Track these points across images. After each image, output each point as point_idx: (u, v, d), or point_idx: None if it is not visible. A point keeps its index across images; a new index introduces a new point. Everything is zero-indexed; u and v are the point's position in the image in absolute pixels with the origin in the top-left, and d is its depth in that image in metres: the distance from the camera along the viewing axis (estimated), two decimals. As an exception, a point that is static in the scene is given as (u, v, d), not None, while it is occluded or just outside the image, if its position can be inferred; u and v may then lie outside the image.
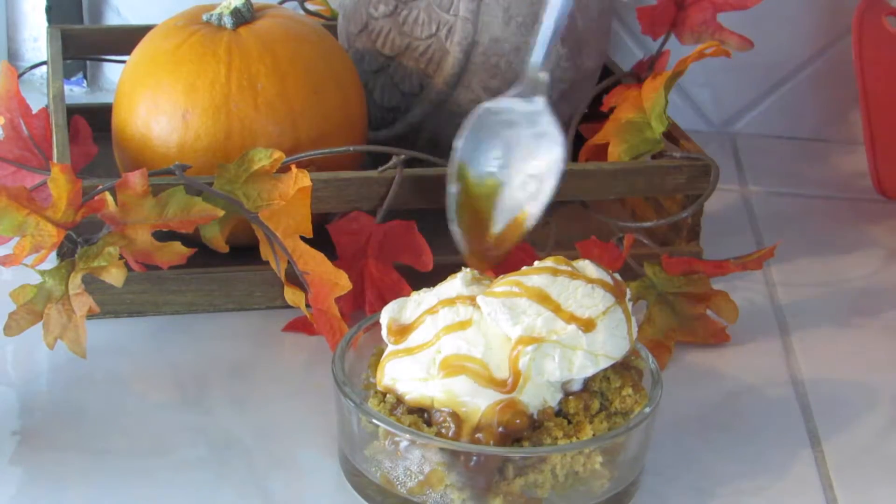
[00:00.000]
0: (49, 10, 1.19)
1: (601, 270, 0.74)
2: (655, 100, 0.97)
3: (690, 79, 1.19)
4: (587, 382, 0.73)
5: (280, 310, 0.89)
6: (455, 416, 0.70)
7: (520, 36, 0.96)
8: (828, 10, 1.19)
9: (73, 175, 0.79)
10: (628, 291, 0.75)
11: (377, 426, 0.71)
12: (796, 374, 0.87)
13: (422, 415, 0.71)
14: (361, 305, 0.88)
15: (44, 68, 1.15)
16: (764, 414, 0.83)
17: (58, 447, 0.76)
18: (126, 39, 1.06)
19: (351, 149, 0.91)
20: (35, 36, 1.24)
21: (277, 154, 0.85)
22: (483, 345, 0.71)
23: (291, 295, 0.84)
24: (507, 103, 0.85)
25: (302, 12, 1.14)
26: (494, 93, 0.97)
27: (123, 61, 0.99)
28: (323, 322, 0.84)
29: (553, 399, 0.72)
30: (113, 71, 1.22)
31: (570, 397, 0.72)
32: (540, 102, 0.84)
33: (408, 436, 0.70)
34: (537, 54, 0.85)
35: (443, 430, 0.70)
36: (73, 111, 1.01)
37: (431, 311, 0.73)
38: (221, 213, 0.82)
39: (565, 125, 1.01)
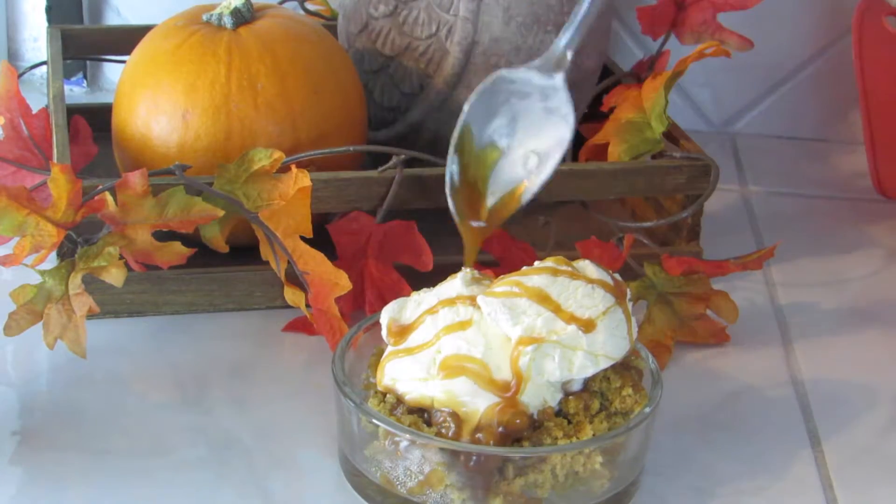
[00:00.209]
0: (49, 10, 1.19)
1: (601, 271, 0.74)
2: (655, 100, 0.97)
3: (690, 79, 1.19)
4: (587, 382, 0.73)
5: (280, 310, 0.89)
6: (455, 416, 0.70)
7: (520, 36, 0.96)
8: (828, 10, 1.19)
9: (73, 175, 0.79)
10: (628, 292, 0.75)
11: (377, 426, 0.71)
12: (796, 374, 0.87)
13: (422, 415, 0.71)
14: (361, 305, 0.88)
15: (44, 68, 1.15)
16: (764, 414, 0.83)
17: (58, 447, 0.76)
18: (126, 39, 1.06)
19: (351, 149, 0.91)
20: (35, 36, 1.24)
21: (277, 154, 0.85)
22: (483, 345, 0.71)
23: (291, 295, 0.84)
24: (524, 73, 0.83)
25: (302, 12, 1.14)
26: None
27: (123, 61, 0.99)
28: (323, 322, 0.84)
29: (553, 399, 0.72)
30: (113, 71, 1.22)
31: (570, 397, 0.72)
32: (559, 79, 0.83)
33: (408, 436, 0.70)
34: (568, 33, 0.84)
35: (443, 430, 0.70)
36: (73, 111, 1.01)
37: (431, 311, 0.73)
38: (221, 213, 0.82)
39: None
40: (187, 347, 0.86)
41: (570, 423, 0.72)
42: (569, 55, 0.84)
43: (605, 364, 0.72)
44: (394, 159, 0.89)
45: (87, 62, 1.22)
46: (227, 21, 0.92)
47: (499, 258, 0.91)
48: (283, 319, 0.88)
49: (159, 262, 0.82)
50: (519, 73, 0.83)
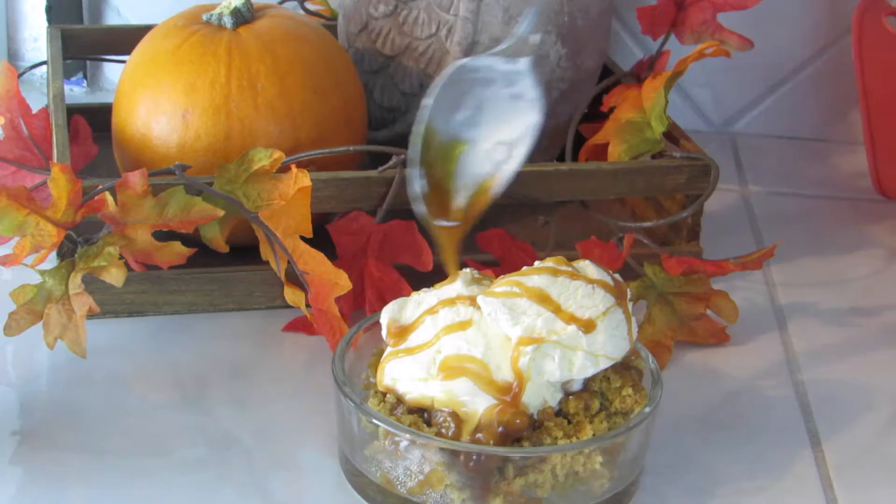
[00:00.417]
0: (49, 10, 1.19)
1: (602, 271, 0.74)
2: (655, 100, 0.97)
3: (690, 79, 1.19)
4: (587, 382, 0.73)
5: (280, 310, 0.89)
6: (455, 415, 0.70)
7: (520, 36, 0.96)
8: (828, 10, 1.19)
9: (73, 175, 0.79)
10: (629, 292, 0.75)
11: (377, 426, 0.71)
12: (796, 374, 0.87)
13: (422, 415, 0.71)
14: (361, 305, 0.88)
15: (44, 68, 1.15)
16: (764, 414, 0.83)
17: (58, 447, 0.76)
18: (126, 39, 1.06)
19: (351, 149, 0.91)
20: (35, 36, 1.24)
21: (277, 154, 0.85)
22: (483, 345, 0.71)
23: (291, 295, 0.84)
24: (486, 61, 0.81)
25: (302, 12, 1.14)
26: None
27: (123, 61, 0.99)
28: (323, 322, 0.84)
29: (553, 399, 0.72)
30: (113, 71, 1.22)
31: (570, 397, 0.72)
32: (524, 63, 0.81)
33: (408, 436, 0.70)
34: (528, 17, 0.81)
35: (443, 430, 0.70)
36: (73, 111, 1.01)
37: (431, 311, 0.73)
38: (221, 213, 0.82)
39: (565, 123, 1.01)
40: (187, 347, 0.86)
41: (570, 423, 0.72)
42: (532, 39, 0.81)
43: (605, 364, 0.72)
44: (394, 159, 0.89)
45: (87, 62, 1.22)
46: (227, 21, 0.92)
47: (499, 258, 0.91)
48: (283, 319, 0.88)
49: (159, 262, 0.82)
50: (481, 60, 0.81)
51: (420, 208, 0.79)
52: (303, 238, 0.84)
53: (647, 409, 0.72)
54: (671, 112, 0.98)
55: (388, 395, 0.72)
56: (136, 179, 0.81)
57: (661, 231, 0.99)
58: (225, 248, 0.86)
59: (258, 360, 0.85)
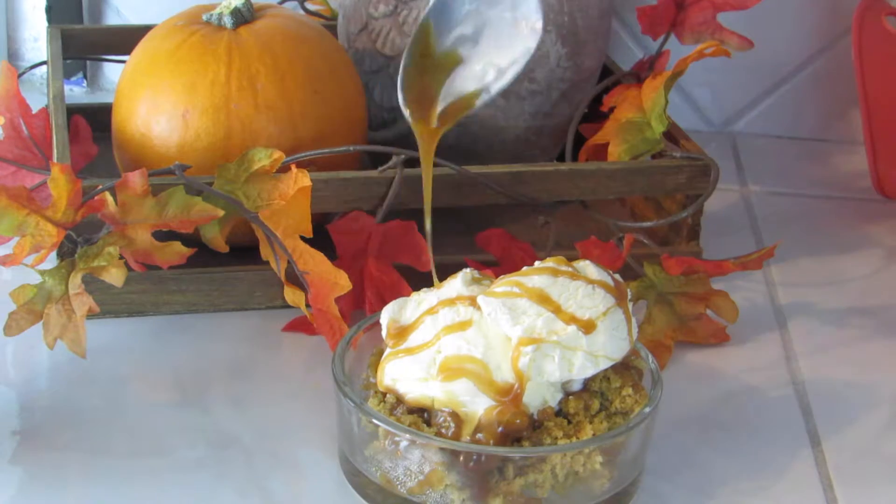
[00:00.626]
0: (49, 10, 1.19)
1: (602, 271, 0.74)
2: (655, 100, 0.97)
3: (690, 79, 1.19)
4: (587, 382, 0.73)
5: (280, 310, 0.89)
6: (455, 415, 0.70)
7: (520, 36, 0.96)
8: (828, 10, 1.19)
9: (73, 175, 0.79)
10: (629, 292, 0.75)
11: (377, 426, 0.71)
12: (796, 374, 0.87)
13: (422, 415, 0.71)
14: (361, 305, 0.88)
15: (44, 68, 1.15)
16: (764, 414, 0.83)
17: (58, 447, 0.76)
18: (126, 39, 1.06)
19: (351, 149, 0.91)
20: (35, 36, 1.24)
21: (277, 154, 0.85)
22: (483, 345, 0.71)
23: (291, 295, 0.84)
24: None
25: (302, 12, 1.14)
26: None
27: (123, 61, 1.00)
28: (323, 322, 0.84)
29: (553, 399, 0.72)
30: (113, 71, 1.22)
31: (570, 397, 0.72)
32: None
33: (408, 436, 0.70)
34: None
35: (443, 430, 0.70)
36: (73, 111, 1.01)
37: (431, 311, 0.73)
38: (221, 213, 0.82)
39: (565, 123, 1.01)
40: (187, 347, 0.86)
41: (570, 422, 0.72)
42: None
43: (605, 365, 0.72)
44: (394, 159, 0.89)
45: (87, 62, 1.22)
46: (227, 21, 0.92)
47: (499, 258, 0.91)
48: (283, 319, 0.88)
49: (159, 262, 0.82)
50: None
51: (402, 101, 0.80)
52: (303, 238, 0.84)
53: (647, 409, 0.72)
54: (671, 112, 0.98)
55: (388, 395, 0.72)
56: (136, 179, 0.81)
57: (661, 231, 0.99)
58: (225, 248, 0.86)
59: (258, 360, 0.85)
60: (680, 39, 1.03)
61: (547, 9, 0.96)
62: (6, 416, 0.78)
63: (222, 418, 0.79)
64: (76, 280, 0.79)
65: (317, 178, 0.87)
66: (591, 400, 0.72)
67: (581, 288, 0.73)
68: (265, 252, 0.86)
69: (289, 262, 0.84)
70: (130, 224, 0.82)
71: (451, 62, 0.81)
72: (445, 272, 0.79)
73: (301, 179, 0.84)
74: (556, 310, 0.72)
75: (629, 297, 0.75)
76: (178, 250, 0.82)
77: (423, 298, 0.75)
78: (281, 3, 1.13)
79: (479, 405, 0.70)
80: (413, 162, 0.91)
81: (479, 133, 0.99)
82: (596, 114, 1.02)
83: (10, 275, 0.88)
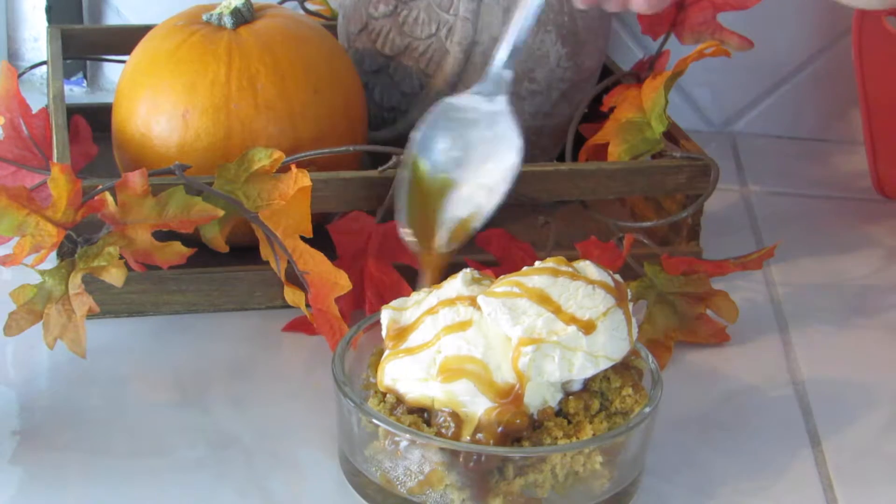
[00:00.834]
0: (49, 10, 1.19)
1: (602, 272, 0.74)
2: (655, 100, 0.97)
3: (690, 79, 1.19)
4: (587, 382, 0.73)
5: (280, 310, 0.89)
6: (455, 415, 0.70)
7: (520, 36, 0.96)
8: (828, 10, 1.19)
9: (73, 175, 0.79)
10: (629, 293, 0.75)
11: (377, 426, 0.71)
12: (796, 374, 0.87)
13: (422, 415, 0.71)
14: (361, 305, 0.88)
15: (44, 68, 1.15)
16: (764, 414, 0.83)
17: (58, 447, 0.76)
18: (126, 39, 1.06)
19: (351, 149, 0.91)
20: (35, 36, 1.24)
21: (277, 154, 0.85)
22: (483, 345, 0.71)
23: (291, 295, 0.84)
24: (468, 100, 0.85)
25: (302, 12, 1.14)
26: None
27: (123, 61, 0.99)
28: (323, 322, 0.84)
29: (553, 399, 0.72)
30: (113, 71, 1.22)
31: (571, 397, 0.72)
32: (501, 102, 0.84)
33: (408, 436, 0.70)
34: (503, 52, 0.84)
35: (443, 430, 0.70)
36: (73, 111, 1.01)
37: (431, 311, 0.73)
38: (221, 213, 0.82)
39: (565, 123, 1.01)
40: (187, 347, 0.86)
41: (570, 423, 0.72)
42: (505, 75, 0.84)
43: (605, 365, 0.72)
44: (394, 159, 0.89)
45: (87, 62, 1.22)
46: (227, 21, 0.92)
47: (499, 258, 0.91)
48: (283, 319, 0.88)
49: (159, 262, 0.82)
50: (463, 100, 0.85)
51: (409, 234, 0.83)
52: (303, 238, 0.84)
53: (647, 409, 0.72)
54: (671, 112, 0.98)
55: (388, 395, 0.72)
56: (136, 179, 0.81)
57: (661, 231, 0.99)
58: (225, 248, 0.86)
59: (258, 360, 0.85)
60: (680, 39, 1.03)
61: (547, 9, 0.96)
62: (6, 416, 0.78)
63: (222, 418, 0.79)
64: (76, 280, 0.79)
65: (317, 178, 0.87)
66: (591, 400, 0.72)
67: (581, 288, 0.73)
68: (265, 252, 0.86)
69: (289, 262, 0.84)
70: (130, 224, 0.82)
71: (445, 187, 0.83)
72: (445, 272, 0.79)
73: (301, 179, 0.84)
74: (557, 310, 0.72)
75: (629, 297, 0.75)
76: (178, 250, 0.82)
77: (423, 298, 0.75)
78: (281, 3, 1.13)
79: (479, 405, 0.70)
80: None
81: (479, 133, 0.99)
82: (596, 114, 1.02)
83: (10, 275, 0.88)
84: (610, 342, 0.72)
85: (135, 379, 0.83)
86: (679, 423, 0.81)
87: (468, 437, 0.70)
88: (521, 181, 0.91)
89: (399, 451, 0.70)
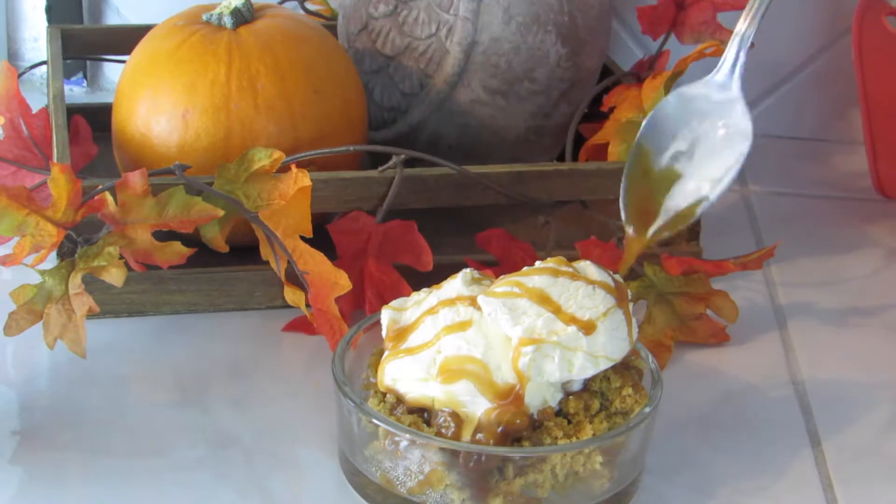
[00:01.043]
0: (49, 10, 1.19)
1: (602, 272, 0.74)
2: (655, 100, 0.97)
3: (690, 79, 1.18)
4: (587, 382, 0.73)
5: (280, 310, 0.89)
6: (455, 415, 0.70)
7: (520, 36, 0.96)
8: (828, 10, 1.19)
9: (73, 175, 0.79)
10: (629, 293, 0.75)
11: (377, 426, 0.71)
12: (796, 374, 0.87)
13: (422, 415, 0.71)
14: (361, 305, 0.88)
15: (44, 68, 1.15)
16: (764, 414, 0.83)
17: (58, 447, 0.76)
18: (126, 39, 1.06)
19: (351, 149, 0.91)
20: (35, 36, 1.24)
21: (277, 154, 0.85)
22: (483, 345, 0.71)
23: (291, 295, 0.84)
24: (702, 89, 0.84)
25: (302, 12, 1.14)
26: (494, 93, 0.97)
27: (123, 61, 0.99)
28: (323, 322, 0.84)
29: (553, 399, 0.72)
30: (113, 71, 1.22)
31: (571, 397, 0.72)
32: (735, 89, 0.83)
33: (408, 436, 0.70)
34: (739, 43, 0.84)
35: (443, 430, 0.70)
36: (73, 111, 1.01)
37: (431, 311, 0.73)
38: (221, 213, 0.82)
39: (565, 123, 1.01)
40: (187, 347, 0.86)
41: (570, 422, 0.72)
42: (741, 61, 0.83)
43: (605, 365, 0.72)
44: (394, 159, 0.89)
45: (87, 62, 1.22)
46: (227, 21, 0.92)
47: (499, 258, 0.91)
48: (283, 319, 0.88)
49: (159, 262, 0.82)
50: (697, 88, 0.84)
51: (627, 227, 0.83)
52: (303, 238, 0.84)
53: (647, 409, 0.72)
54: (671, 112, 0.98)
55: (388, 395, 0.72)
56: (136, 179, 0.81)
57: (661, 231, 0.99)
58: (225, 248, 0.86)
59: (258, 360, 0.85)
60: (680, 39, 1.03)
61: (547, 9, 0.96)
62: (6, 416, 0.78)
63: (222, 418, 0.79)
64: (76, 280, 0.79)
65: (317, 178, 0.87)
66: (591, 400, 0.72)
67: (581, 288, 0.73)
68: (265, 252, 0.86)
69: (289, 262, 0.84)
70: (130, 224, 0.82)
71: (671, 179, 0.83)
72: (445, 272, 0.79)
73: (301, 179, 0.84)
74: (557, 310, 0.72)
75: (629, 297, 0.75)
76: (178, 250, 0.82)
77: (423, 298, 0.75)
78: (281, 3, 1.13)
79: (479, 405, 0.70)
80: (413, 162, 0.91)
81: (479, 133, 0.99)
82: (596, 114, 1.02)
83: (10, 275, 0.88)
84: (610, 342, 0.72)
85: (135, 379, 0.83)
86: (679, 423, 0.81)
87: (468, 437, 0.70)
88: (521, 181, 0.91)
89: (399, 451, 0.70)
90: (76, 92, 1.22)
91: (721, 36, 1.01)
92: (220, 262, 0.88)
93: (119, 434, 0.77)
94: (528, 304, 0.72)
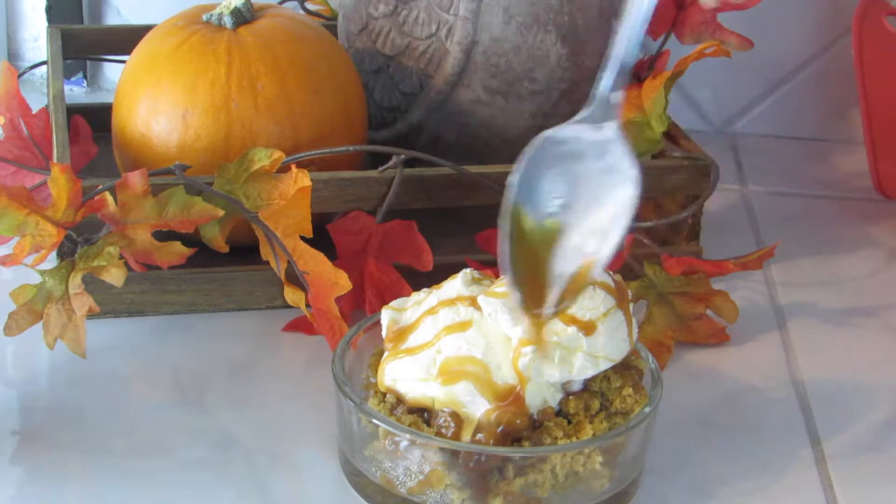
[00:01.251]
0: (49, 10, 1.19)
1: (603, 272, 0.74)
2: (655, 100, 0.97)
3: (690, 79, 1.19)
4: (587, 382, 0.73)
5: (280, 310, 0.89)
6: (455, 415, 0.70)
7: (520, 36, 0.96)
8: (828, 10, 1.19)
9: (73, 175, 0.79)
10: (629, 293, 0.75)
11: (377, 426, 0.71)
12: (796, 374, 0.87)
13: (422, 415, 0.71)
14: (361, 305, 0.88)
15: (44, 68, 1.15)
16: (764, 414, 0.83)
17: (58, 447, 0.76)
18: (126, 39, 1.06)
19: (351, 149, 0.91)
20: (35, 36, 1.24)
21: (277, 154, 0.85)
22: (483, 345, 0.71)
23: (291, 295, 0.84)
24: (572, 131, 0.73)
25: (302, 12, 1.14)
26: (494, 93, 0.97)
27: (123, 61, 0.99)
28: (323, 322, 0.84)
29: (553, 399, 0.72)
30: (113, 71, 1.22)
31: (571, 397, 0.72)
32: (611, 129, 0.72)
33: (408, 436, 0.70)
34: (610, 72, 0.73)
35: (443, 431, 0.70)
36: (73, 111, 1.01)
37: (431, 311, 0.73)
38: (221, 213, 0.82)
39: (566, 121, 1.01)
40: (187, 347, 0.86)
41: (570, 422, 0.72)
42: (614, 99, 0.72)
43: (605, 366, 0.72)
44: (394, 159, 0.89)
45: (87, 62, 1.22)
46: (227, 21, 0.92)
47: (499, 258, 0.91)
48: (283, 319, 0.88)
49: (159, 262, 0.82)
50: (565, 131, 0.73)
51: (515, 297, 0.72)
52: (303, 238, 0.84)
53: (647, 409, 0.72)
54: (671, 112, 0.98)
55: (388, 396, 0.72)
56: (136, 179, 0.81)
57: (661, 231, 0.99)
58: (225, 248, 0.86)
59: (258, 360, 0.85)
60: (680, 39, 1.03)
61: (547, 9, 0.96)
62: (6, 416, 0.78)
63: (222, 418, 0.79)
64: (76, 280, 0.79)
65: (317, 178, 0.87)
66: (592, 400, 0.72)
67: (581, 288, 0.73)
68: (265, 252, 0.86)
69: (289, 262, 0.84)
70: (130, 224, 0.82)
71: (554, 236, 0.72)
72: (445, 272, 0.79)
73: (301, 179, 0.84)
74: (556, 310, 0.72)
75: (629, 298, 0.75)
76: (178, 250, 0.82)
77: (423, 299, 0.75)
78: (281, 3, 1.13)
79: (479, 405, 0.70)
80: (413, 162, 0.91)
81: (479, 133, 0.99)
82: (596, 114, 1.02)
83: (10, 275, 0.88)
84: (610, 343, 0.72)
85: (135, 379, 0.83)
86: (679, 423, 0.81)
87: (468, 438, 0.70)
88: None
89: (399, 451, 0.70)
90: (76, 92, 1.22)
91: (721, 36, 1.01)
92: (220, 262, 0.88)
93: (119, 434, 0.77)
94: (528, 305, 0.72)
